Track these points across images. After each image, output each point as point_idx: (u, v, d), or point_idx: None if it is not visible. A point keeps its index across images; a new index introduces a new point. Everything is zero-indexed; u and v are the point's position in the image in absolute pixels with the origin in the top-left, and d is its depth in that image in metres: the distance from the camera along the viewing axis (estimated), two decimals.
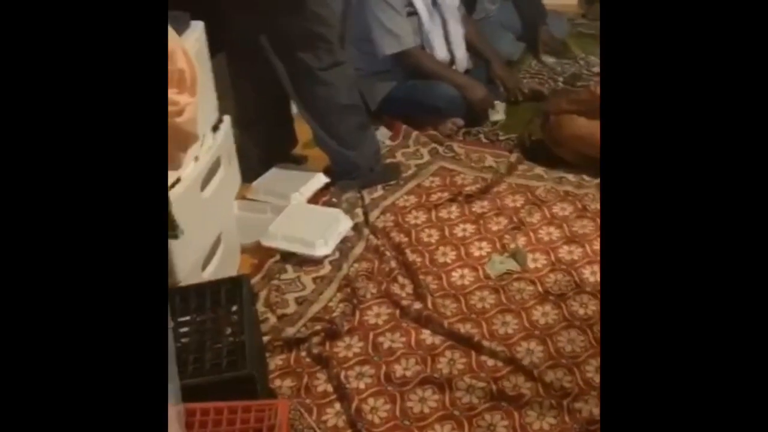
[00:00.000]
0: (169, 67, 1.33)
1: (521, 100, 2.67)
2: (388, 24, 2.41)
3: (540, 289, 1.78)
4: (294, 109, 2.30)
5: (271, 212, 2.08)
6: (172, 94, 1.35)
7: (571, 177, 2.22)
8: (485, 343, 1.61)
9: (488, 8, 3.06)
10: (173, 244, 1.50)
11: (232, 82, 2.13)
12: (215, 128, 1.77)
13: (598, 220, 2.01)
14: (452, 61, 2.57)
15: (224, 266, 1.78)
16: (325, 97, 2.09)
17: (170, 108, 1.34)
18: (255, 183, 2.21)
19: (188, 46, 1.48)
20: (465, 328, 1.66)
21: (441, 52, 2.52)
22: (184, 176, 1.56)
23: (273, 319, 1.74)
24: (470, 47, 2.64)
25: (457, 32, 2.57)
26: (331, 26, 2.07)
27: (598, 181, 2.18)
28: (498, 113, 2.59)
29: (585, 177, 2.21)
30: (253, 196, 2.18)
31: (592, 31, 3.31)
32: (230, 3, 2.02)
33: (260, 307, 1.76)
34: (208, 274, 1.70)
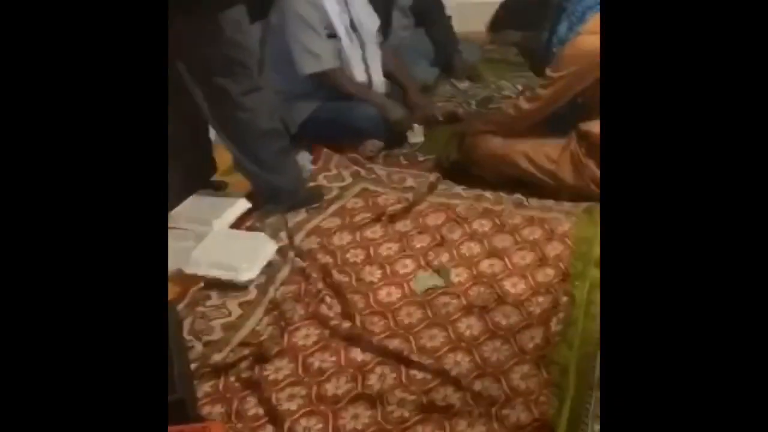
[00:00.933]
0: None
1: (441, 120, 2.76)
2: (309, 45, 2.45)
3: (464, 302, 1.83)
4: (213, 135, 2.29)
5: (193, 240, 2.05)
6: None
7: (488, 194, 2.30)
8: (414, 357, 1.63)
9: (401, 34, 3.16)
10: None
11: None
12: None
13: (516, 235, 2.09)
14: (369, 85, 2.63)
15: None
16: (245, 123, 2.09)
17: None
18: (175, 211, 2.18)
19: None
20: (394, 344, 1.68)
21: (359, 75, 2.58)
22: None
23: (199, 347, 1.70)
24: (387, 73, 2.71)
25: (375, 56, 2.64)
26: (249, 52, 2.08)
27: (514, 196, 2.27)
28: (417, 135, 2.67)
29: (502, 193, 2.29)
30: (173, 224, 2.14)
31: (501, 57, 3.47)
32: None
33: (185, 335, 1.72)
34: None
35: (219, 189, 2.34)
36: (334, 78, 2.51)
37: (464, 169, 2.39)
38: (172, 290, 1.90)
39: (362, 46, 2.59)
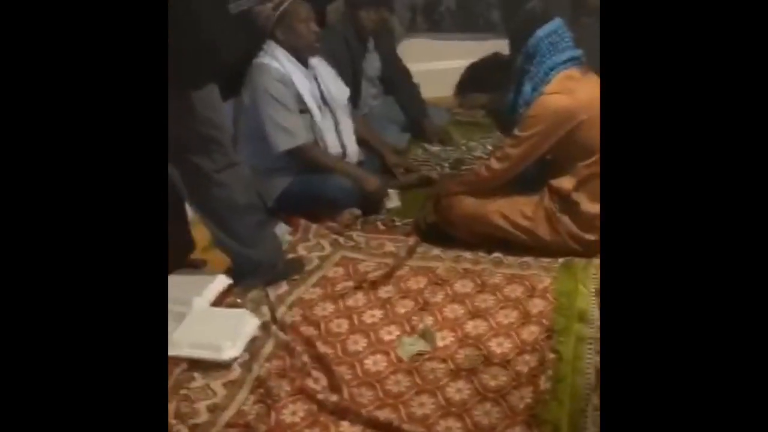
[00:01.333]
0: None
1: (416, 184, 2.81)
2: (281, 121, 2.49)
3: (451, 366, 1.81)
4: (190, 213, 2.29)
5: (173, 320, 2.02)
6: None
7: (467, 254, 2.32)
8: (405, 426, 1.60)
9: (371, 103, 3.23)
10: None
11: None
12: None
13: (498, 294, 2.10)
14: (344, 155, 2.67)
15: None
16: (222, 199, 2.10)
17: None
18: None
19: None
20: (383, 415, 1.66)
21: (333, 147, 2.63)
22: None
23: (185, 431, 1.66)
24: (360, 141, 2.76)
25: (348, 127, 2.70)
26: (222, 129, 2.10)
27: (492, 255, 2.29)
28: (393, 201, 2.70)
29: (480, 253, 2.31)
30: None
31: (469, 119, 3.55)
32: None
33: (170, 419, 1.68)
34: None
35: (198, 267, 2.33)
36: (308, 152, 2.55)
37: (441, 230, 2.41)
38: None
39: (334, 117, 2.64)
